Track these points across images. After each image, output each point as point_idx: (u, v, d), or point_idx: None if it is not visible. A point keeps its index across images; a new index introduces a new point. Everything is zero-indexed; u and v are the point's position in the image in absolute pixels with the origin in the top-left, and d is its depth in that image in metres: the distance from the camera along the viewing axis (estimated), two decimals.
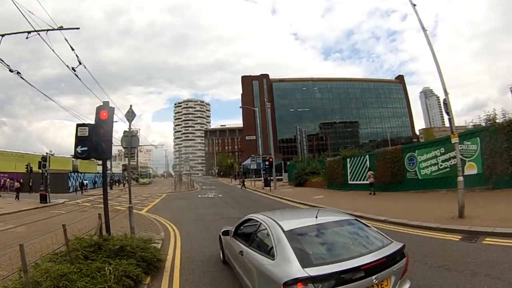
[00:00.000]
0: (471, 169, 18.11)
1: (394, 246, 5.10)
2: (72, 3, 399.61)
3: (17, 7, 11.32)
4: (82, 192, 51.48)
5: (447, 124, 16.28)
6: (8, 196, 38.95)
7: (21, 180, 47.35)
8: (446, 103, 13.19)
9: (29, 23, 12.09)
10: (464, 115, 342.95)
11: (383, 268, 4.60)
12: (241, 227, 7.45)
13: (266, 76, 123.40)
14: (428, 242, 9.77)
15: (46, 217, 21.27)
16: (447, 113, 13.30)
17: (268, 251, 5.29)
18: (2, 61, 12.10)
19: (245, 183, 50.46)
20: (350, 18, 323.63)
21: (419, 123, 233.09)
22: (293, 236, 5.17)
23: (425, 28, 14.21)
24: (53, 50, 12.83)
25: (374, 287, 4.50)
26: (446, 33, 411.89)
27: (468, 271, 6.91)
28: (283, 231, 5.30)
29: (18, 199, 35.02)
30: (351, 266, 4.36)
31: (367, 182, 26.08)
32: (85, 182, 58.10)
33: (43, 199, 31.69)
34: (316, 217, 5.67)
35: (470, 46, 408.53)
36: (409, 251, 5.32)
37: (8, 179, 45.50)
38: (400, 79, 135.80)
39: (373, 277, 4.42)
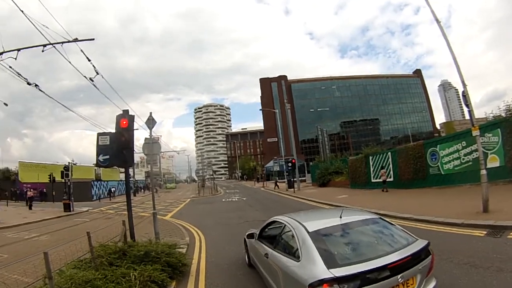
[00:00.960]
0: (494, 161, 17.82)
1: (419, 244, 5.04)
2: (85, 14, 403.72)
3: (31, 22, 11.63)
4: (110, 199, 52.92)
5: (467, 116, 16.10)
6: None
7: (44, 190, 48.29)
8: (465, 95, 13.01)
9: (44, 36, 12.41)
10: (484, 106, 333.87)
11: (409, 266, 4.56)
12: (266, 230, 7.44)
13: (284, 77, 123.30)
14: (453, 239, 9.67)
15: (70, 225, 21.49)
16: (467, 106, 13.13)
17: (293, 253, 5.27)
18: (20, 74, 12.39)
19: (277, 184, 50.03)
20: (363, 14, 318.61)
21: (440, 117, 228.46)
22: (318, 237, 5.15)
23: (438, 20, 14.00)
24: (70, 62, 13.07)
25: (400, 287, 4.47)
26: (459, 24, 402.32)
27: (494, 267, 6.79)
28: (308, 232, 5.28)
29: (31, 208, 35.15)
30: (376, 266, 4.33)
31: (381, 180, 26.65)
32: (112, 189, 59.50)
33: (67, 207, 32.23)
34: (341, 217, 5.63)
35: (485, 35, 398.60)
36: (434, 248, 5.25)
37: (31, 189, 46.20)
38: (417, 73, 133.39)
39: (399, 276, 4.38)
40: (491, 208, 11.86)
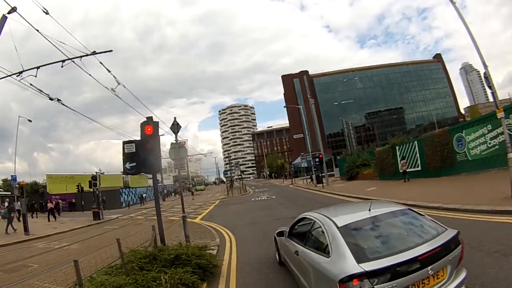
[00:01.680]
0: None
1: (449, 234, 4.94)
2: (101, 29, 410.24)
3: (47, 39, 11.79)
4: (141, 205, 55.19)
5: (491, 99, 15.82)
6: (60, 216, 39.83)
7: (73, 200, 49.47)
8: (487, 77, 12.82)
9: (62, 52, 12.69)
10: (507, 86, 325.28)
11: (439, 258, 4.47)
12: (296, 227, 7.39)
13: (306, 72, 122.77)
14: (483, 226, 9.50)
15: (100, 233, 21.81)
16: (489, 87, 12.97)
17: (323, 249, 5.21)
18: (41, 91, 12.63)
19: (312, 179, 49.62)
20: (379, 1, 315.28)
21: (464, 101, 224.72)
22: (348, 231, 5.09)
23: (453, 1, 13.82)
24: (90, 75, 13.37)
25: (430, 279, 4.40)
26: (475, 3, 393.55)
27: None
28: (337, 227, 5.22)
29: (55, 219, 35.31)
30: (406, 258, 4.26)
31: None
32: (143, 195, 61.42)
33: (96, 216, 32.86)
34: (369, 210, 5.57)
35: (501, 13, 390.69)
36: (464, 237, 5.11)
37: (60, 201, 47.02)
38: (438, 57, 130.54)
39: (429, 268, 4.31)
40: None
